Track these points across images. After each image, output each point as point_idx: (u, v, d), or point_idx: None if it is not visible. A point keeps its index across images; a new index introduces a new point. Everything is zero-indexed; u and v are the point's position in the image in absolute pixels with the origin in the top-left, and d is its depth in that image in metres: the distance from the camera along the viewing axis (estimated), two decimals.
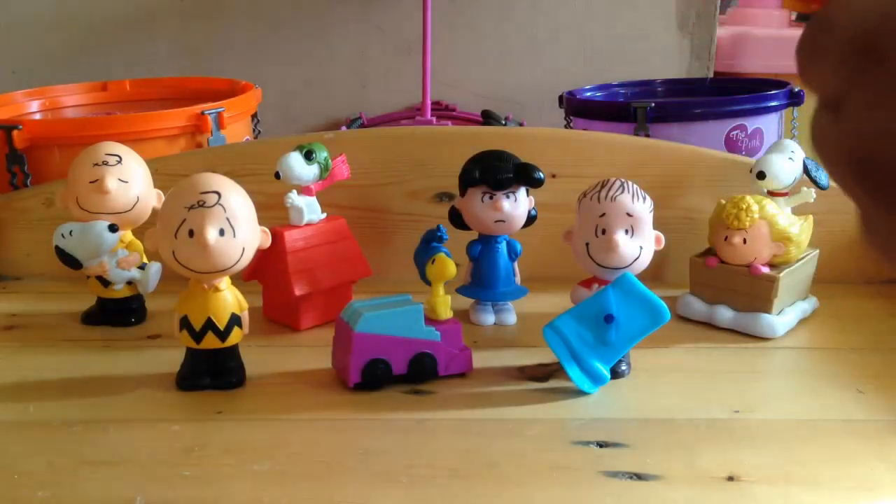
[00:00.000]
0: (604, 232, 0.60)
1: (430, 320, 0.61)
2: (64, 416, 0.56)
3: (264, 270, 0.72)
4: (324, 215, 0.73)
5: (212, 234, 0.54)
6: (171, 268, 0.56)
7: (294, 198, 0.70)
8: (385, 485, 0.48)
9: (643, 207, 0.60)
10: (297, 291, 0.68)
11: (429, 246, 0.64)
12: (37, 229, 0.84)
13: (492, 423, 0.55)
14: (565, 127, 1.22)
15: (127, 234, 0.71)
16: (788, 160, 0.75)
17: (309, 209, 0.71)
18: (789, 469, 0.50)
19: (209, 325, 0.58)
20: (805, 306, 0.73)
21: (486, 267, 0.72)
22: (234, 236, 0.55)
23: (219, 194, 0.55)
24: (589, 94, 1.29)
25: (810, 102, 0.26)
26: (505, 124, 1.52)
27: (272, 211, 0.69)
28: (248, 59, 1.66)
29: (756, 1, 1.63)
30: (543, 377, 0.62)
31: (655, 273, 0.79)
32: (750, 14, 1.63)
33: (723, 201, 0.71)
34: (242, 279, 0.70)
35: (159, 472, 0.49)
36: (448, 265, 0.60)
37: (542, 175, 0.69)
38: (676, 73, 1.51)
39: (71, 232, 0.67)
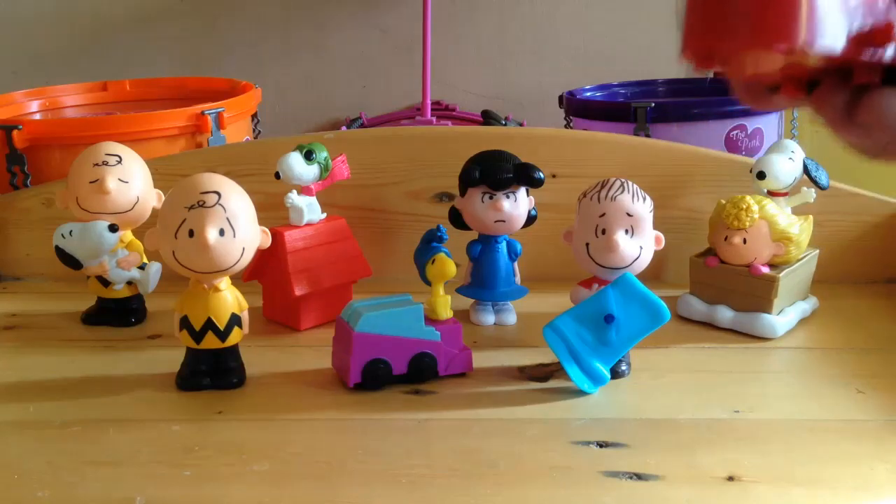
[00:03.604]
0: (604, 232, 0.60)
1: (430, 320, 0.61)
2: (64, 416, 0.56)
3: (264, 270, 0.72)
4: (324, 215, 0.73)
5: (212, 234, 0.54)
6: (171, 268, 0.56)
7: (294, 198, 0.70)
8: (385, 485, 0.48)
9: (643, 207, 0.60)
10: (297, 291, 0.68)
11: (429, 246, 0.64)
12: (37, 229, 0.84)
13: (492, 423, 0.55)
14: (565, 127, 1.22)
15: (127, 234, 0.71)
16: (788, 160, 0.75)
17: (309, 209, 0.71)
18: (789, 469, 0.50)
19: (209, 325, 0.58)
20: (805, 306, 0.73)
21: (486, 267, 0.72)
22: (234, 236, 0.55)
23: (219, 194, 0.55)
24: (589, 94, 1.29)
25: None
26: (505, 124, 1.52)
27: (272, 211, 0.69)
28: (248, 59, 1.66)
29: None
30: (543, 377, 0.62)
31: (655, 273, 0.79)
32: None
33: (723, 201, 0.71)
34: (242, 279, 0.70)
35: (159, 472, 0.49)
36: (448, 265, 0.60)
37: (542, 175, 0.69)
38: (676, 74, 1.51)
39: (71, 232, 0.67)
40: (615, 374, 0.61)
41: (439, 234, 0.64)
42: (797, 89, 0.26)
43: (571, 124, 1.22)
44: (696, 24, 0.24)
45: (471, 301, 0.74)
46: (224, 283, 0.58)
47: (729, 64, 0.25)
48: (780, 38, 0.22)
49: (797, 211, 0.76)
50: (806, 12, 0.22)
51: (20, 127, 0.93)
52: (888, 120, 0.24)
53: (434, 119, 1.44)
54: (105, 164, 0.68)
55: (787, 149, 0.76)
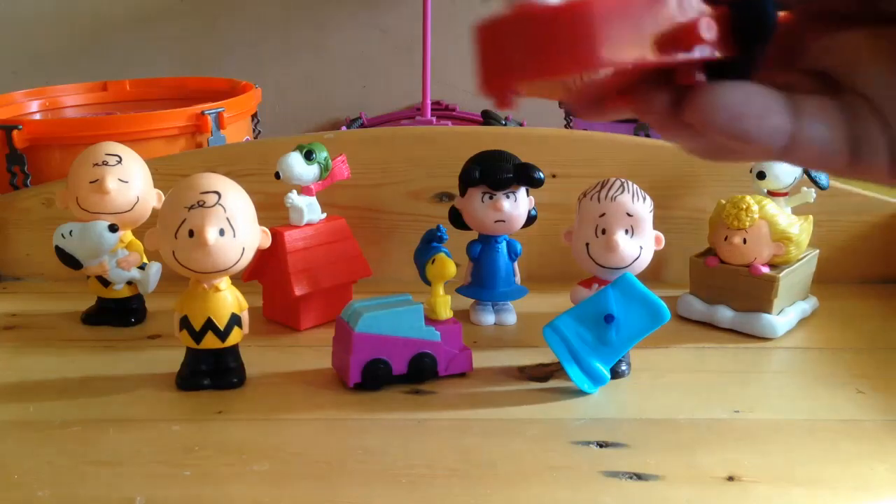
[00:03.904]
0: (604, 232, 0.60)
1: (430, 320, 0.61)
2: (64, 416, 0.56)
3: (264, 270, 0.72)
4: (324, 215, 0.73)
5: (212, 234, 0.54)
6: (171, 268, 0.56)
7: (294, 198, 0.70)
8: (385, 485, 0.48)
9: (643, 207, 0.60)
10: (297, 291, 0.68)
11: (429, 246, 0.64)
12: (37, 229, 0.84)
13: (492, 423, 0.55)
14: (565, 127, 1.22)
15: (127, 234, 0.71)
16: None
17: (309, 209, 0.71)
18: (789, 469, 0.50)
19: (209, 325, 0.58)
20: (805, 306, 0.73)
21: (486, 267, 0.72)
22: (234, 236, 0.55)
23: (219, 194, 0.55)
24: None
25: None
26: (505, 124, 1.52)
27: (272, 211, 0.69)
28: (248, 59, 1.66)
29: None
30: (543, 377, 0.62)
31: (655, 273, 0.79)
32: None
33: (723, 201, 0.71)
34: (242, 279, 0.70)
35: (159, 472, 0.49)
36: (448, 265, 0.60)
37: (542, 175, 0.69)
38: None
39: (71, 232, 0.67)
40: (615, 374, 0.61)
41: (439, 234, 0.64)
42: (619, 98, 0.23)
43: (571, 124, 1.22)
44: (486, 62, 0.23)
45: (471, 301, 0.74)
46: (224, 283, 0.58)
47: (536, 93, 0.24)
48: (570, 65, 0.21)
49: (797, 211, 0.76)
50: (595, 32, 0.20)
51: (20, 127, 0.93)
52: (716, 120, 0.21)
53: (434, 119, 1.44)
54: (105, 164, 0.68)
55: None
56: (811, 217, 0.73)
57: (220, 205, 0.54)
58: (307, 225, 0.71)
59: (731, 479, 0.48)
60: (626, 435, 0.53)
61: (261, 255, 0.66)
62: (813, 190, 0.77)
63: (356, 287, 0.75)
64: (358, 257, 0.74)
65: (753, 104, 0.21)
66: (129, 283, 0.71)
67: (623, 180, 0.61)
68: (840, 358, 0.66)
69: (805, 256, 0.73)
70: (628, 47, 0.20)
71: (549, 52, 0.21)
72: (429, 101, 1.44)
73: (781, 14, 0.22)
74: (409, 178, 0.83)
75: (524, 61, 0.21)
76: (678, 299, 0.74)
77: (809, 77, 0.23)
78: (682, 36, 0.21)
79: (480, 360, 0.63)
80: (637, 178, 0.64)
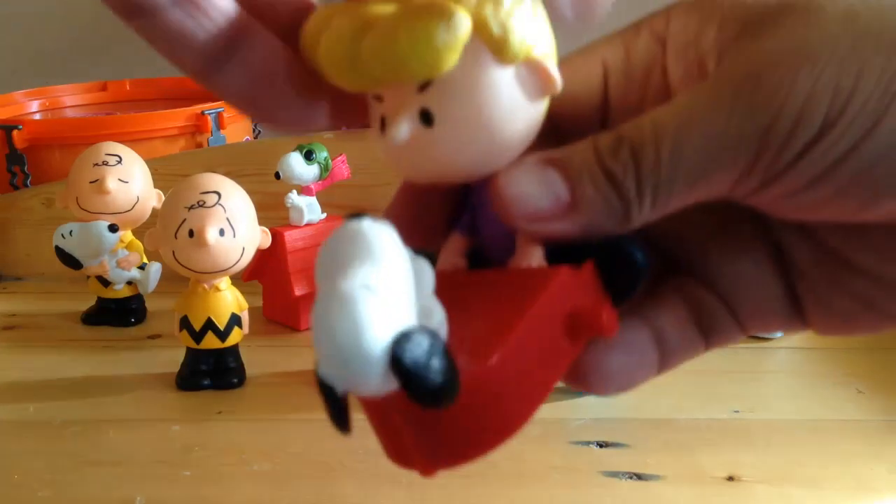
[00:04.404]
0: None
1: None
2: (64, 416, 0.56)
3: (264, 270, 0.71)
4: (324, 215, 0.73)
5: (212, 234, 0.54)
6: (171, 268, 0.56)
7: (294, 198, 0.70)
8: (385, 485, 0.48)
9: None
10: (297, 291, 0.68)
11: None
12: (37, 229, 0.84)
13: None
14: None
15: (127, 234, 0.71)
16: None
17: (309, 209, 0.71)
18: (789, 469, 0.50)
19: (209, 325, 0.58)
20: None
21: None
22: (234, 236, 0.55)
23: (219, 194, 0.55)
24: None
25: None
26: None
27: (272, 211, 0.69)
28: None
29: None
30: None
31: None
32: None
33: None
34: (242, 279, 0.70)
35: (159, 472, 0.49)
36: None
37: None
38: None
39: (71, 232, 0.67)
40: None
41: None
42: None
43: None
44: (391, 444, 0.21)
45: None
46: (224, 283, 0.58)
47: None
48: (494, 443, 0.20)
49: None
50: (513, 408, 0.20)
51: (20, 127, 0.93)
52: (602, 391, 0.21)
53: None
54: (105, 164, 0.68)
55: None
56: None
57: (220, 205, 0.54)
58: (307, 225, 0.71)
59: (731, 479, 0.48)
60: (626, 435, 0.53)
61: (261, 255, 0.66)
62: None
63: None
64: None
65: (630, 367, 0.22)
66: (129, 283, 0.71)
67: None
68: (840, 358, 0.66)
69: None
70: (542, 388, 0.21)
71: (465, 439, 0.19)
72: None
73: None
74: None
75: (441, 453, 0.20)
76: None
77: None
78: (584, 335, 0.21)
79: None
80: None
